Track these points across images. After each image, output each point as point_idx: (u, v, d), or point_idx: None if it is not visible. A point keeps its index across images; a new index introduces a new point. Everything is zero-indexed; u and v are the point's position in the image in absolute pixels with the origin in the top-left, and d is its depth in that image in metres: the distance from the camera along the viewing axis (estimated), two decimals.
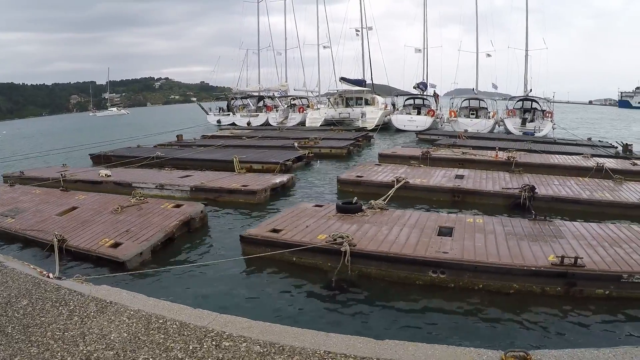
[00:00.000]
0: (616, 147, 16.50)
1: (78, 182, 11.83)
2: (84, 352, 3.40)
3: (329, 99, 33.82)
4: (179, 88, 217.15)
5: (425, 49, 33.72)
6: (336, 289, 5.47)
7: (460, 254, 5.64)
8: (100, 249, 6.54)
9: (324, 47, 39.16)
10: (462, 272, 5.42)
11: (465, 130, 23.42)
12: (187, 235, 7.62)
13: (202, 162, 14.14)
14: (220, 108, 39.15)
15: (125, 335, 3.62)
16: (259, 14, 41.70)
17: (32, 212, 8.56)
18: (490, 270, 5.33)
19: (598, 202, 8.85)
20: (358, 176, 11.19)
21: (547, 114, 25.04)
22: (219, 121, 35.52)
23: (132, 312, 4.01)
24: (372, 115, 28.15)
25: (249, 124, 32.55)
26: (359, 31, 35.01)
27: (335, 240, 5.94)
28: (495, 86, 31.22)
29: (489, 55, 32.41)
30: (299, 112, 33.92)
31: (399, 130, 26.86)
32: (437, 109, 28.50)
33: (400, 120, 27.15)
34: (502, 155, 13.62)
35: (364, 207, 7.63)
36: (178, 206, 8.25)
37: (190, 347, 3.40)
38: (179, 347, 3.41)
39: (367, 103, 30.93)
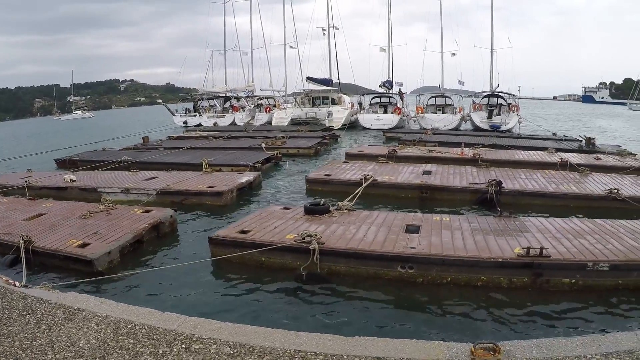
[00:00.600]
0: (580, 141, 16.93)
1: (43, 189, 11.35)
2: None
3: (295, 98, 33.64)
4: (144, 90, 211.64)
5: (390, 48, 34.23)
6: (306, 287, 5.42)
7: (428, 249, 5.67)
8: (67, 248, 6.35)
9: (291, 47, 39.15)
10: (430, 266, 5.43)
11: (432, 127, 23.75)
12: (156, 239, 7.49)
13: (170, 165, 13.79)
14: (186, 109, 38.53)
15: (94, 341, 3.56)
16: (225, 14, 41.37)
17: None
18: (457, 263, 5.37)
19: (564, 194, 9.05)
20: (326, 175, 11.12)
21: (513, 107, 25.64)
22: (185, 122, 34.88)
23: (100, 318, 3.95)
24: (338, 115, 28.20)
25: (215, 124, 32.08)
26: (325, 30, 35.02)
27: (303, 239, 5.88)
28: (461, 82, 31.80)
29: (453, 54, 33.17)
30: (266, 112, 33.68)
31: (365, 129, 26.97)
32: (403, 107, 28.74)
33: (367, 119, 27.19)
34: (468, 152, 13.85)
35: (331, 209, 7.61)
36: (147, 211, 8.14)
37: (160, 351, 3.38)
38: (148, 352, 3.38)
39: (333, 102, 30.92)
